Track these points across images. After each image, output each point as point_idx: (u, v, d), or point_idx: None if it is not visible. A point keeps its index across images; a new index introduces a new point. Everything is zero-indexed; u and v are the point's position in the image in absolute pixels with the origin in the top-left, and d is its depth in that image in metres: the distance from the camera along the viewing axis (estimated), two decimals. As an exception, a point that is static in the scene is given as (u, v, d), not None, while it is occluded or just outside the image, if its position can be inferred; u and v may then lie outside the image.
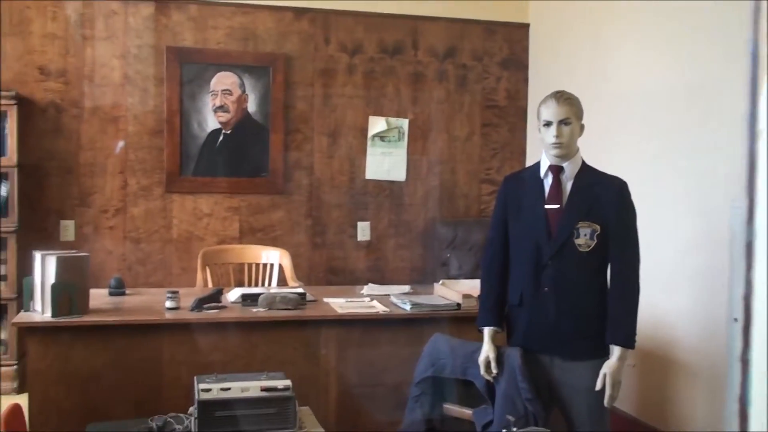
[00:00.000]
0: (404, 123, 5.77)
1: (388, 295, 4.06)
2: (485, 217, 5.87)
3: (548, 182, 2.95)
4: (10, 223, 4.91)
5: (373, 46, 5.70)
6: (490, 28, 5.92)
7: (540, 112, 2.93)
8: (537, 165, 3.02)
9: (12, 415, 2.75)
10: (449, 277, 5.07)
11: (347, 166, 5.71)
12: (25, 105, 5.07)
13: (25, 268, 4.74)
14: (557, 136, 2.87)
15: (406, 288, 4.28)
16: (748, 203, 0.98)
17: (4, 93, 4.92)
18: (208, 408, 2.81)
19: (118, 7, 5.28)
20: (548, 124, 2.89)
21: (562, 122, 2.86)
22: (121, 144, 5.23)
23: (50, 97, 5.21)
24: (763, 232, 0.97)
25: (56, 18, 5.20)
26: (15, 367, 4.93)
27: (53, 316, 3.31)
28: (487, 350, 2.99)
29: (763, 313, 0.98)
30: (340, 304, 3.80)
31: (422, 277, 5.69)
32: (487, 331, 3.03)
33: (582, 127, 2.94)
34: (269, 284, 4.80)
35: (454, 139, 5.89)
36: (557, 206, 2.91)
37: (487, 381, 3.01)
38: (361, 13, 5.65)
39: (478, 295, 3.23)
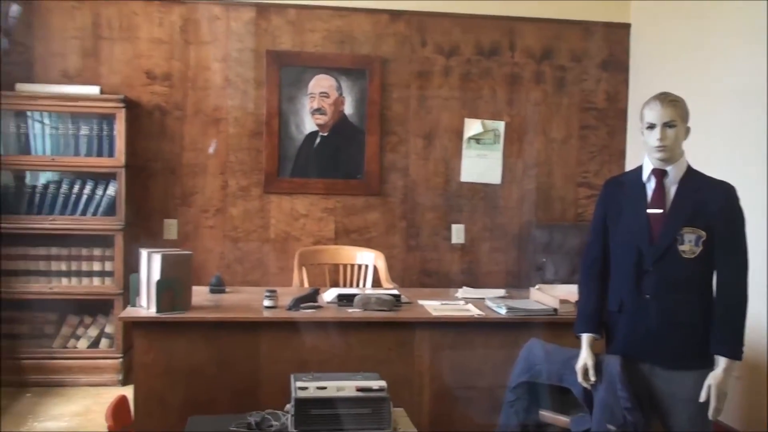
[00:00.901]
0: (500, 125, 5.72)
1: (483, 298, 4.03)
2: (582, 221, 5.76)
3: (651, 186, 2.87)
4: (117, 221, 5.10)
5: (470, 47, 5.67)
6: (589, 28, 5.80)
7: (643, 114, 2.85)
8: (639, 169, 2.94)
9: (119, 406, 2.86)
10: (544, 282, 4.99)
11: (442, 168, 5.70)
12: (133, 108, 5.27)
13: (130, 265, 4.93)
14: (661, 139, 2.79)
15: (501, 292, 4.25)
16: None
17: (112, 96, 5.13)
18: (304, 406, 2.84)
19: (221, 12, 5.43)
20: (652, 126, 2.81)
21: (667, 125, 2.78)
22: (214, 144, 5.37)
23: (156, 100, 5.40)
24: None
25: (162, 23, 5.38)
26: (120, 359, 5.12)
27: (158, 311, 3.43)
28: (585, 357, 2.93)
29: None
30: (434, 307, 3.80)
31: (516, 282, 5.64)
32: (585, 337, 2.97)
33: (687, 130, 2.85)
34: (364, 285, 4.83)
35: (550, 142, 5.81)
36: (660, 211, 2.82)
37: (585, 388, 2.95)
38: (457, 14, 5.63)
39: (576, 301, 3.17)
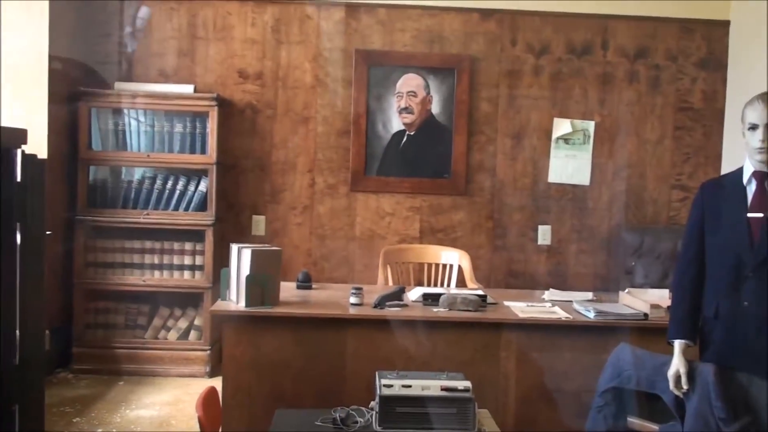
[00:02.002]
0: (590, 125, 5.61)
1: (570, 301, 3.96)
2: (675, 225, 5.60)
3: (752, 189, 2.77)
4: (208, 216, 5.23)
5: (561, 46, 5.58)
6: (686, 26, 5.63)
7: (745, 114, 2.75)
8: (739, 171, 2.84)
9: (208, 398, 2.93)
10: (634, 286, 4.87)
11: (530, 168, 5.63)
12: (225, 106, 5.39)
13: (220, 259, 5.05)
14: (763, 141, 2.69)
15: (589, 295, 4.16)
16: None
17: (206, 95, 5.26)
18: (389, 403, 2.85)
19: (311, 12, 5.49)
20: (754, 127, 2.71)
21: (770, 125, 2.68)
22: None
23: (247, 98, 5.51)
24: None
25: (255, 24, 5.49)
26: (208, 352, 5.25)
27: (246, 306, 3.50)
28: (677, 364, 2.85)
29: None
30: (521, 308, 3.75)
31: (605, 285, 5.51)
32: (677, 344, 2.89)
33: (792, 131, 2.73)
34: (448, 285, 4.82)
35: (643, 143, 5.66)
36: (761, 215, 2.72)
37: (677, 396, 2.87)
38: (549, 13, 5.55)
39: (668, 306, 3.08)
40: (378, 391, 2.88)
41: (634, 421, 3.08)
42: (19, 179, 2.58)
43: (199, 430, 2.70)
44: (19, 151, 2.58)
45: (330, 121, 5.54)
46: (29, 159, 2.63)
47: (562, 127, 5.59)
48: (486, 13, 5.54)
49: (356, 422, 2.92)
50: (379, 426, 2.84)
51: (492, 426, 2.97)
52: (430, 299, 3.78)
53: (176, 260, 5.29)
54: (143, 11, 5.24)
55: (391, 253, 4.99)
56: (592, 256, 5.67)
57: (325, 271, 5.52)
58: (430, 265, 4.97)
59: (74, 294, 5.20)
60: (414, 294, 3.93)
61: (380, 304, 3.65)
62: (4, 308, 2.55)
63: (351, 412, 2.97)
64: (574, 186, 5.63)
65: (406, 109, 5.53)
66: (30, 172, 2.62)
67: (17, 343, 2.66)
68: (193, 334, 5.32)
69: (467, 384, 2.91)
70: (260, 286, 3.50)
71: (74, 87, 5.19)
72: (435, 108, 5.55)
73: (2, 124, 2.72)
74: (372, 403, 2.95)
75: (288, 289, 3.99)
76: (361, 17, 5.51)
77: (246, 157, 5.53)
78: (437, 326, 3.58)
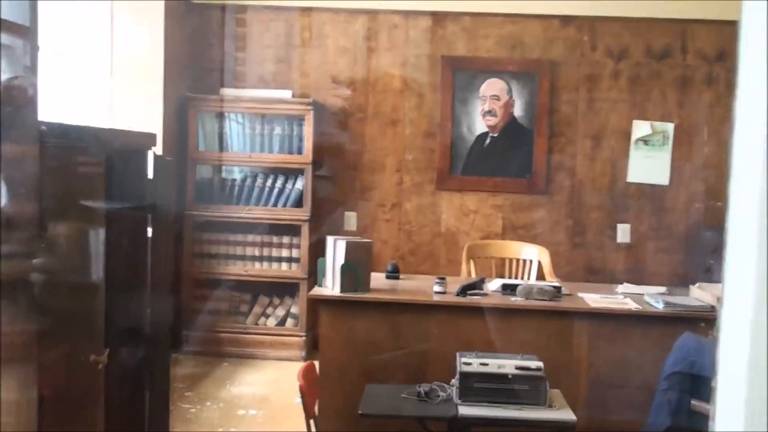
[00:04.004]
0: (669, 127, 5.78)
1: (642, 294, 4.19)
2: (753, 224, 5.70)
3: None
4: (304, 212, 5.66)
5: (640, 50, 5.77)
6: (766, 29, 5.72)
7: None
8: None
9: (308, 369, 3.33)
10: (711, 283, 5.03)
11: (609, 168, 5.84)
12: (319, 110, 5.80)
13: (315, 252, 5.46)
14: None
15: (662, 289, 4.38)
16: None
17: (302, 100, 5.69)
18: (468, 379, 3.19)
19: (400, 21, 5.85)
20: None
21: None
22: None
23: (340, 103, 5.91)
24: None
25: (347, 33, 5.88)
26: (303, 338, 5.67)
27: (341, 291, 3.88)
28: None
29: None
30: (593, 299, 4.01)
31: (682, 282, 5.66)
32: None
33: None
34: (528, 278, 5.09)
35: (722, 145, 5.79)
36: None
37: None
38: (628, 18, 5.75)
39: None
40: (459, 368, 3.22)
41: (697, 404, 3.32)
42: (150, 177, 3.02)
43: (299, 401, 3.09)
44: (150, 152, 3.02)
45: (417, 124, 5.88)
46: (159, 159, 3.07)
47: (641, 129, 5.78)
48: (566, 19, 5.78)
49: (438, 396, 3.26)
50: (459, 399, 3.17)
51: (563, 404, 3.26)
52: (509, 289, 4.08)
53: (275, 252, 5.74)
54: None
55: (474, 248, 5.29)
56: (670, 255, 5.84)
57: (412, 266, 5.86)
58: (511, 260, 5.26)
59: (182, 282, 5.70)
60: (494, 285, 4.24)
61: (462, 292, 3.98)
62: (137, 295, 2.99)
63: (434, 387, 3.32)
64: (652, 186, 5.82)
65: (490, 112, 5.83)
66: (160, 171, 3.06)
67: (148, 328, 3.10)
68: (289, 321, 5.75)
69: (539, 364, 3.21)
70: (353, 274, 3.88)
71: (184, 92, 5.70)
72: (517, 111, 5.82)
73: (125, 128, 3.17)
74: (453, 380, 3.29)
75: (378, 279, 4.36)
76: (447, 25, 5.84)
77: (338, 158, 5.93)
78: (514, 313, 3.89)
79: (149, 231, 3.05)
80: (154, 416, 3.12)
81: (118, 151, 2.70)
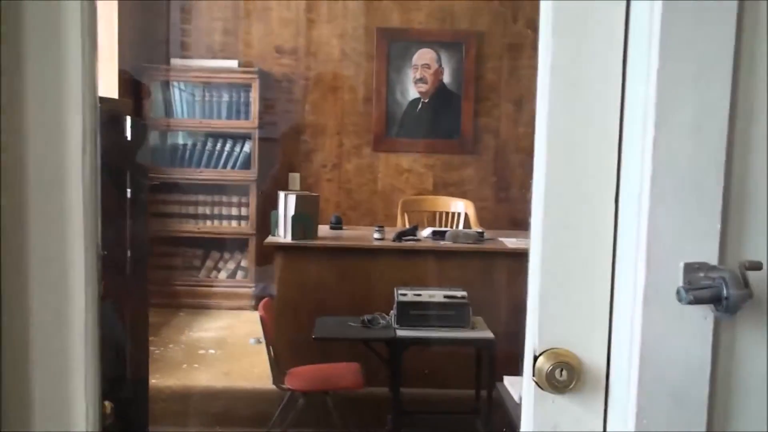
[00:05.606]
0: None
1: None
2: None
3: None
4: (251, 174, 6.13)
5: (556, 23, 6.35)
6: None
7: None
8: None
9: (267, 304, 3.85)
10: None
11: (530, 130, 6.39)
12: (265, 78, 6.26)
13: (262, 210, 5.95)
14: None
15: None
16: None
17: (249, 69, 6.13)
18: (404, 308, 3.77)
19: (338, -5, 6.33)
20: None
21: None
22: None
23: (283, 71, 6.37)
24: None
25: (289, 5, 6.33)
26: (252, 289, 6.17)
27: (293, 239, 4.41)
28: None
29: None
30: (511, 242, 4.62)
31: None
32: None
33: None
34: (456, 227, 5.68)
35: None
36: None
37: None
38: (545, -7, 6.31)
39: None
40: (396, 299, 3.79)
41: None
42: (129, 138, 3.47)
43: (254, 341, 3.61)
44: (128, 117, 3.47)
45: (355, 91, 6.39)
46: (136, 123, 3.52)
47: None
48: (491, -6, 6.34)
49: (379, 323, 3.83)
50: (397, 324, 3.75)
51: (484, 327, 3.87)
52: (439, 235, 4.66)
53: (225, 211, 6.21)
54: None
55: (408, 203, 5.85)
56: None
57: (352, 220, 6.39)
58: (441, 213, 5.83)
59: (140, 240, 6.12)
60: (426, 232, 4.81)
61: (398, 238, 4.54)
62: (119, 252, 3.44)
63: (376, 316, 3.89)
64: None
65: (421, 80, 6.36)
66: (136, 133, 3.51)
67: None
68: (239, 274, 6.25)
69: (464, 293, 3.81)
70: (303, 224, 4.41)
71: (137, 62, 6.08)
72: (446, 78, 6.37)
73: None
74: (392, 311, 3.86)
75: (323, 230, 4.88)
76: (382, -1, 6.33)
77: (283, 123, 6.40)
78: (443, 255, 4.48)
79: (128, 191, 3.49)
80: (135, 358, 3.60)
81: (106, 115, 3.15)
